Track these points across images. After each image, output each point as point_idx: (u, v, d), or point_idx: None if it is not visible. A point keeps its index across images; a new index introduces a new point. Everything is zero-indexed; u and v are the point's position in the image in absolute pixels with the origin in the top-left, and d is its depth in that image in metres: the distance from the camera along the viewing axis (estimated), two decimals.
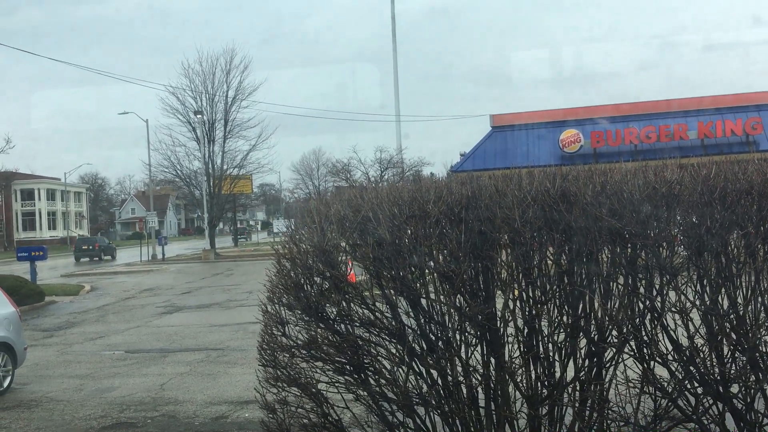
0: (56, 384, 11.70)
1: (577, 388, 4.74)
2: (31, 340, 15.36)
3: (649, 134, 33.87)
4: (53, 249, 58.09)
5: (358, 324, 4.88)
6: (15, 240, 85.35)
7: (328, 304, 4.88)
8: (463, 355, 4.79)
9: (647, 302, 4.52)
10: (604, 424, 4.75)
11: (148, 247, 53.08)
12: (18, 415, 9.77)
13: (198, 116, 52.62)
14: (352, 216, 4.81)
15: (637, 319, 4.59)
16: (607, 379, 4.81)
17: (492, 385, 4.80)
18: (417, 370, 4.91)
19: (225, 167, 54.57)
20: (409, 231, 4.69)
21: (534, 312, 4.63)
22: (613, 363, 4.81)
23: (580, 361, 4.75)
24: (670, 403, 4.66)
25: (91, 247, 58.00)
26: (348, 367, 4.88)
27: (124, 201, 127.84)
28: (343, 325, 4.92)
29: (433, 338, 4.80)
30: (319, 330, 4.90)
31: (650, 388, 4.72)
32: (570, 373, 4.83)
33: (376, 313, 4.85)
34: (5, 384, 11.09)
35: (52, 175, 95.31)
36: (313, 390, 4.95)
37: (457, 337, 4.75)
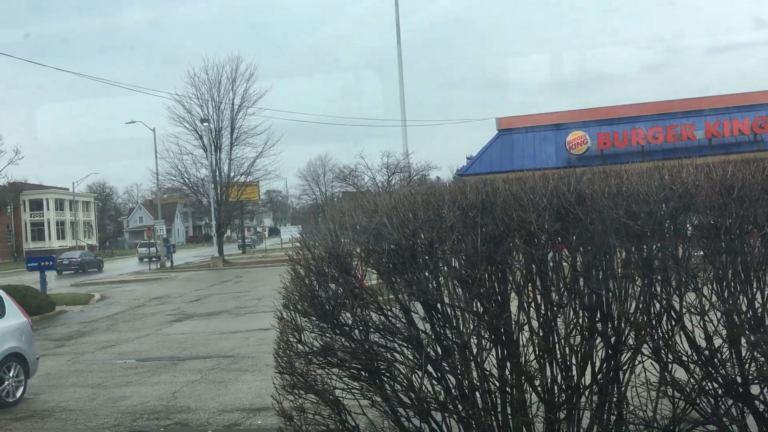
0: (69, 393, 11.72)
1: (595, 391, 4.71)
2: (42, 349, 15.40)
3: (656, 135, 33.71)
4: None
5: (373, 330, 4.86)
6: (24, 250, 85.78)
7: (343, 311, 4.86)
8: (479, 359, 4.75)
9: (665, 303, 4.48)
10: (623, 427, 4.71)
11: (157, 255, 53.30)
12: (32, 425, 9.78)
13: (204, 124, 52.81)
14: (367, 221, 4.79)
15: (655, 321, 4.55)
16: (624, 382, 4.77)
17: (509, 390, 4.77)
18: (433, 375, 4.88)
19: (232, 174, 54.76)
20: (424, 236, 4.66)
21: (551, 316, 4.60)
22: (631, 365, 4.76)
23: (598, 364, 4.71)
24: (688, 405, 4.61)
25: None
26: (363, 373, 4.86)
27: (132, 210, 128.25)
28: (358, 331, 4.90)
29: (449, 343, 4.77)
30: (335, 336, 4.88)
31: (669, 390, 4.67)
32: (587, 376, 4.80)
33: (392, 319, 4.82)
34: (18, 394, 11.11)
35: (60, 185, 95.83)
36: (331, 397, 4.92)
37: (474, 341, 4.72)
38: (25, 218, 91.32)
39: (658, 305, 4.54)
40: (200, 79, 53.38)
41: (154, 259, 53.03)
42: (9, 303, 11.78)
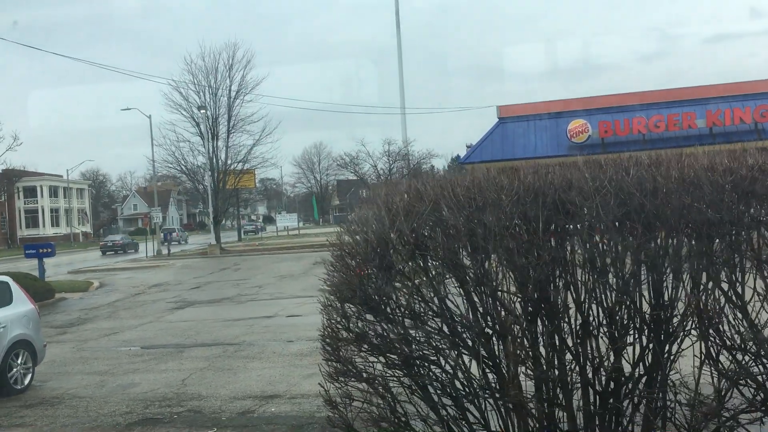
0: (76, 381, 11.62)
1: (643, 380, 4.63)
2: (45, 336, 15.19)
3: (657, 123, 33.67)
4: (56, 246, 57.98)
5: (416, 317, 4.75)
6: (18, 237, 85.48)
7: (389, 298, 4.75)
8: (528, 347, 4.66)
9: (730, 292, 4.38)
10: (668, 414, 4.65)
11: (153, 242, 53.14)
12: (42, 412, 9.67)
13: (201, 111, 52.42)
14: (418, 206, 4.67)
15: (719, 307, 4.44)
16: (674, 369, 4.69)
17: (555, 379, 4.69)
18: (481, 363, 4.79)
19: (229, 162, 54.45)
20: (479, 221, 4.53)
21: (610, 304, 4.50)
22: (679, 351, 4.68)
23: (650, 354, 4.61)
24: (730, 390, 4.54)
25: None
26: (409, 360, 4.76)
27: (126, 197, 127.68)
28: (402, 319, 4.79)
29: (498, 331, 4.67)
30: (382, 324, 4.78)
31: (718, 378, 4.59)
32: (633, 365, 4.72)
33: (436, 306, 4.72)
34: (26, 381, 11.01)
35: (54, 172, 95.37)
36: (379, 384, 4.83)
37: (523, 329, 4.62)
38: (19, 205, 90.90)
39: (722, 294, 4.42)
40: (197, 66, 52.85)
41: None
42: (16, 290, 11.67)
